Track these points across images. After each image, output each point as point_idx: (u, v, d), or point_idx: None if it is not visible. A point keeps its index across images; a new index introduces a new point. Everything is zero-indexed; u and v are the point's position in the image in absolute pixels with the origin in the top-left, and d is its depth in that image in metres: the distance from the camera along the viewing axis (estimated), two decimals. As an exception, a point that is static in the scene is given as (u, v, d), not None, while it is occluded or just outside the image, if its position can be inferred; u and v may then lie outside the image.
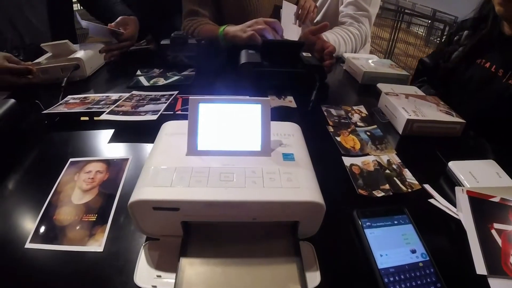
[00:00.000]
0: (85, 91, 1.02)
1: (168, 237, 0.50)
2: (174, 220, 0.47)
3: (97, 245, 0.51)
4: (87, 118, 0.85)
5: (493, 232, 0.55)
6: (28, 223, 0.55)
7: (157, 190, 0.45)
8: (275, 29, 1.10)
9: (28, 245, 0.51)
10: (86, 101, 0.91)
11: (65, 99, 0.93)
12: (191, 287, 0.43)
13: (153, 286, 0.45)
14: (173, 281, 0.43)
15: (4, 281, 0.46)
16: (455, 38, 1.15)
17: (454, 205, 0.62)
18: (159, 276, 0.46)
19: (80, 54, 1.09)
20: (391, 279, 0.46)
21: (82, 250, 0.51)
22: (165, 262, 0.47)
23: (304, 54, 1.05)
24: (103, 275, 0.47)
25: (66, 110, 0.85)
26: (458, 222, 0.58)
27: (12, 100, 0.77)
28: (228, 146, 0.52)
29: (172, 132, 0.57)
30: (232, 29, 1.16)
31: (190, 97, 0.53)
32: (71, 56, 1.08)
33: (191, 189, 0.44)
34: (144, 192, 0.45)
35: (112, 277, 0.47)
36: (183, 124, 0.54)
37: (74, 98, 0.93)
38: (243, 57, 1.00)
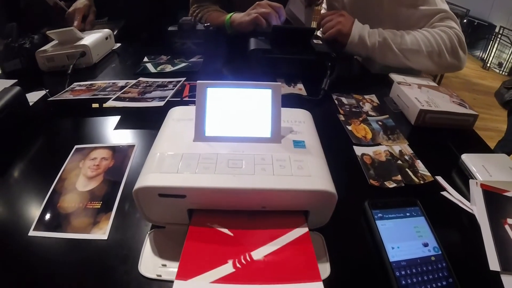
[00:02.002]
0: (92, 78, 1.01)
1: (174, 225, 0.49)
2: (180, 208, 0.45)
3: (101, 233, 0.50)
4: (97, 105, 0.84)
5: (507, 227, 0.54)
6: (32, 211, 0.54)
7: (163, 176, 0.43)
8: (278, 13, 1.07)
9: (32, 232, 0.50)
10: (92, 88, 0.90)
11: (71, 86, 0.92)
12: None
13: (158, 275, 0.44)
14: (178, 270, 0.42)
15: (7, 269, 0.46)
16: None
17: (467, 198, 0.61)
18: (164, 265, 0.45)
19: (86, 41, 1.08)
20: (403, 272, 0.45)
21: (86, 238, 0.50)
22: (171, 251, 0.46)
23: (315, 41, 1.02)
24: (107, 264, 0.47)
25: (72, 97, 0.84)
26: (471, 216, 0.57)
27: (17, 88, 0.76)
28: (236, 132, 0.50)
29: (179, 117, 0.56)
30: (238, 15, 1.13)
31: (198, 82, 0.51)
32: (77, 43, 1.06)
33: (198, 175, 0.43)
34: (149, 178, 0.43)
35: (116, 265, 0.46)
36: (190, 110, 0.53)
37: (80, 85, 0.93)
38: (252, 44, 0.98)
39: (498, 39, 4.91)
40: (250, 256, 0.42)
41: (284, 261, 0.41)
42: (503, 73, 4.81)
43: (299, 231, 0.45)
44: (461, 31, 1.03)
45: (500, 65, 4.93)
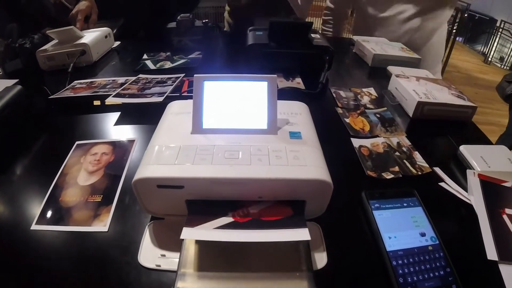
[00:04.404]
0: (92, 76, 1.02)
1: (173, 216, 0.50)
2: (178, 199, 0.46)
3: (102, 225, 0.51)
4: (99, 103, 0.85)
5: (505, 217, 0.54)
6: (34, 205, 0.55)
7: (162, 167, 0.44)
8: None
9: (34, 226, 0.51)
10: (93, 85, 0.91)
11: (72, 84, 0.93)
12: (195, 265, 0.43)
13: (157, 265, 0.45)
14: (177, 260, 0.43)
15: (11, 261, 0.47)
16: None
17: (465, 189, 0.61)
18: (163, 255, 0.46)
19: (86, 39, 1.09)
20: (400, 262, 0.45)
21: (87, 230, 0.51)
22: (170, 241, 0.47)
23: (313, 35, 1.03)
24: (107, 255, 0.47)
25: (72, 94, 0.85)
26: (468, 206, 0.57)
27: (19, 86, 0.77)
28: (233, 124, 0.51)
29: (178, 111, 0.56)
30: None
31: (195, 75, 0.52)
32: (77, 42, 1.07)
33: (196, 166, 0.44)
34: (148, 169, 0.44)
35: (116, 256, 0.47)
36: (188, 104, 0.53)
37: (80, 83, 0.93)
38: (250, 39, 0.98)
39: (500, 33, 4.90)
40: (247, 209, 0.46)
41: (276, 213, 0.45)
42: (505, 67, 4.79)
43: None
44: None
45: (501, 59, 4.92)
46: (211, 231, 0.42)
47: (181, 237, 0.41)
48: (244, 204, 0.46)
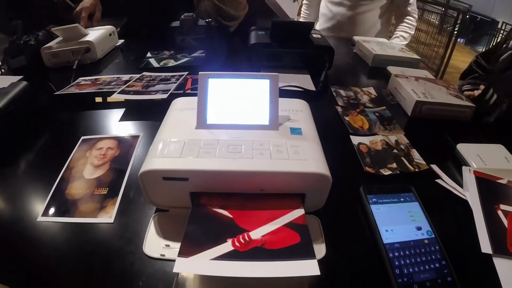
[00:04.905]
0: (96, 73, 1.03)
1: (177, 208, 0.51)
2: (183, 191, 0.47)
3: (107, 217, 0.53)
4: (100, 100, 0.86)
5: (500, 213, 0.55)
6: (40, 198, 0.56)
7: (167, 160, 0.46)
8: None
9: (40, 218, 0.53)
10: (97, 82, 0.93)
11: (77, 80, 0.95)
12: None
13: (161, 254, 0.46)
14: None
15: (16, 253, 0.48)
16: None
17: (461, 186, 0.62)
18: (167, 246, 0.47)
19: (90, 37, 1.10)
20: (396, 254, 0.46)
21: (93, 222, 0.52)
22: (174, 232, 0.48)
23: (314, 35, 1.04)
24: (113, 245, 0.49)
25: (77, 91, 0.87)
26: (464, 202, 0.58)
27: (24, 82, 0.78)
28: (236, 120, 0.53)
29: (182, 107, 0.58)
30: None
31: (200, 72, 0.53)
32: (82, 40, 1.09)
33: (200, 159, 0.45)
34: (154, 162, 0.46)
35: (121, 246, 0.48)
36: (193, 100, 0.55)
37: (85, 80, 0.95)
38: (253, 38, 1.00)
39: (501, 34, 4.90)
40: (249, 236, 0.43)
41: (280, 240, 0.42)
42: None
43: (296, 213, 0.46)
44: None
45: (502, 61, 4.91)
46: (209, 263, 0.39)
47: (175, 270, 0.38)
48: (246, 228, 0.44)
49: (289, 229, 0.44)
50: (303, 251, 0.41)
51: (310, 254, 0.40)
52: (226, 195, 0.48)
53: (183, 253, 0.40)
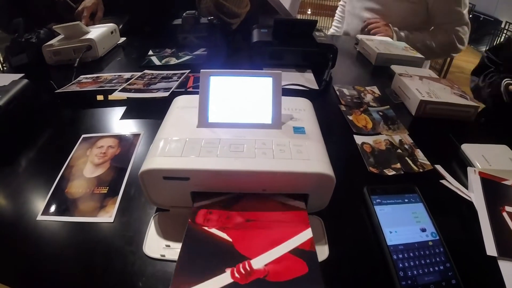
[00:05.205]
0: (98, 71, 1.03)
1: (178, 208, 0.50)
2: (184, 191, 0.47)
3: (107, 216, 0.52)
4: (102, 98, 0.86)
5: (505, 214, 0.55)
6: (40, 197, 0.56)
7: (168, 159, 0.45)
8: None
9: (40, 217, 0.52)
10: (99, 80, 0.92)
11: (78, 78, 0.94)
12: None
13: (161, 255, 0.46)
14: (182, 250, 0.43)
15: (16, 252, 0.47)
16: None
17: (466, 186, 0.61)
18: (168, 246, 0.47)
19: (92, 35, 1.10)
20: (400, 256, 0.46)
21: (93, 221, 0.52)
22: (174, 232, 0.48)
23: (317, 33, 1.03)
24: (113, 245, 0.48)
25: (78, 89, 0.86)
26: (469, 204, 0.58)
27: (25, 80, 0.78)
28: (238, 119, 0.52)
29: (184, 105, 0.57)
30: None
31: (201, 70, 0.53)
32: (83, 38, 1.08)
33: (201, 159, 0.45)
34: (155, 161, 0.45)
35: (121, 246, 0.48)
36: (194, 98, 0.54)
37: (86, 78, 0.94)
38: (255, 36, 1.00)
39: (504, 34, 4.87)
40: (250, 265, 0.39)
41: (285, 270, 0.38)
42: (509, 68, 4.77)
43: (303, 236, 0.43)
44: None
45: (506, 60, 4.89)
46: None
47: None
48: (246, 255, 0.40)
49: (295, 257, 0.40)
50: (311, 285, 0.37)
51: (318, 286, 0.37)
52: (226, 214, 0.45)
53: (176, 285, 0.36)
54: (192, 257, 0.40)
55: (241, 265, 0.38)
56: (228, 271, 0.38)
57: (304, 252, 0.40)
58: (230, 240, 0.42)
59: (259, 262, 0.39)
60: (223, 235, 0.43)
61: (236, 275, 0.37)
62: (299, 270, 0.38)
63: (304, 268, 0.38)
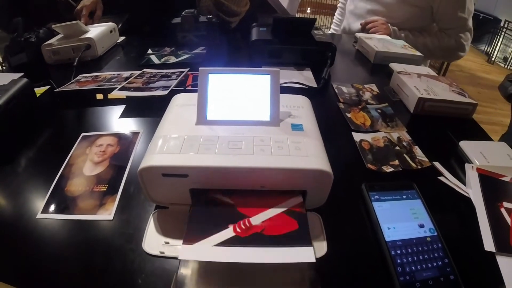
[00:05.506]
0: (97, 70, 1.03)
1: (177, 205, 0.51)
2: (182, 188, 0.47)
3: (107, 214, 0.52)
4: (101, 96, 0.86)
5: (503, 210, 0.55)
6: (40, 195, 0.56)
7: (167, 156, 0.45)
8: None
9: (39, 215, 0.52)
10: (98, 79, 0.92)
11: (77, 77, 0.94)
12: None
13: (161, 252, 0.46)
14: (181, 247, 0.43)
15: (16, 250, 0.48)
16: None
17: (464, 183, 0.61)
18: (167, 243, 0.47)
19: (91, 34, 1.10)
20: (398, 251, 0.46)
21: (92, 218, 0.52)
22: (174, 229, 0.48)
23: (316, 31, 1.04)
24: (112, 242, 0.48)
25: (78, 88, 0.86)
26: (467, 200, 0.58)
27: (25, 79, 0.78)
28: (237, 116, 0.52)
29: (183, 103, 0.58)
30: None
31: (200, 68, 0.53)
32: (83, 37, 1.08)
33: (200, 155, 0.45)
34: (154, 158, 0.45)
35: (121, 244, 0.48)
36: (193, 96, 0.54)
37: (85, 77, 0.94)
38: (254, 35, 1.00)
39: (503, 33, 4.87)
40: (249, 222, 0.44)
41: (279, 227, 0.44)
42: (508, 67, 4.77)
43: (295, 200, 0.47)
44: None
45: (505, 59, 4.90)
46: (212, 249, 0.40)
47: (180, 257, 0.40)
48: (246, 214, 0.45)
49: (288, 216, 0.45)
50: (300, 238, 0.42)
51: (306, 242, 0.42)
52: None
53: (187, 240, 0.41)
54: (200, 216, 0.45)
55: (241, 222, 0.44)
56: (230, 227, 0.43)
57: (296, 213, 0.46)
58: (233, 203, 0.46)
59: (257, 220, 0.44)
60: (227, 199, 0.47)
61: (238, 229, 0.43)
62: (291, 227, 0.44)
63: (294, 225, 0.44)
